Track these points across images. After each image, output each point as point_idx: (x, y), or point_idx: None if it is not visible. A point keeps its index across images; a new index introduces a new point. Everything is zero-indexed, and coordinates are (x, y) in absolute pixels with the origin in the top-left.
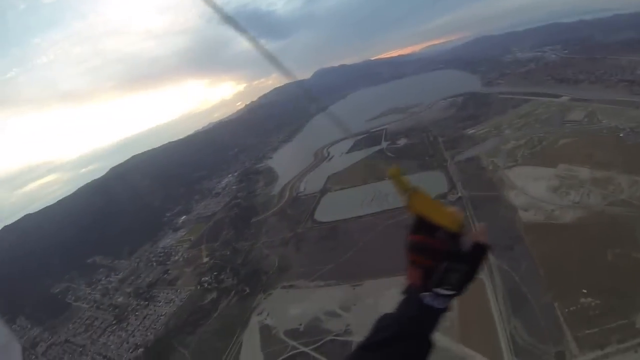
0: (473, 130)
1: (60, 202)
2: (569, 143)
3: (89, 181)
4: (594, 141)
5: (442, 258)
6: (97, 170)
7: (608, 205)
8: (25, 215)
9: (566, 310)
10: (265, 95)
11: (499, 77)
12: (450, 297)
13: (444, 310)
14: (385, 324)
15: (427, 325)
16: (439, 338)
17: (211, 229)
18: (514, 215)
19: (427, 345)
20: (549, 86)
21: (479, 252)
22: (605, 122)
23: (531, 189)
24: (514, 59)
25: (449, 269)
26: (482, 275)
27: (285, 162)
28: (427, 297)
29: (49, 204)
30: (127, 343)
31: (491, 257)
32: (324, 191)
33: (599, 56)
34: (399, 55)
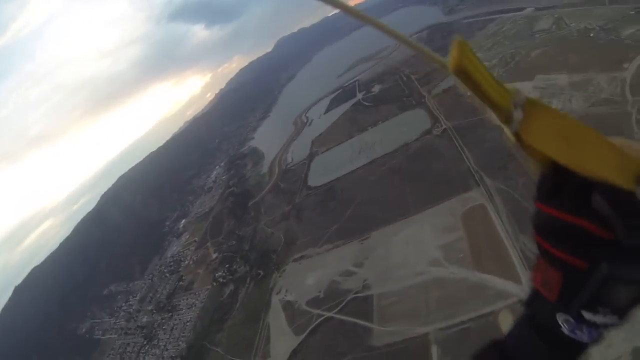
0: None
1: (62, 245)
2: (541, 53)
3: (84, 215)
4: (566, 46)
5: (603, 255)
6: (89, 202)
7: (591, 107)
8: (32, 270)
9: None
10: (232, 80)
11: (459, 3)
12: (607, 327)
13: (590, 344)
14: None
15: None
16: (455, 270)
17: (212, 225)
18: (501, 134)
19: None
20: (512, 1)
21: None
22: (574, 25)
23: None
24: None
25: (615, 276)
26: (482, 199)
27: (268, 138)
28: (568, 324)
29: (52, 250)
30: (163, 358)
31: (488, 180)
32: (311, 156)
33: None
34: (356, 4)
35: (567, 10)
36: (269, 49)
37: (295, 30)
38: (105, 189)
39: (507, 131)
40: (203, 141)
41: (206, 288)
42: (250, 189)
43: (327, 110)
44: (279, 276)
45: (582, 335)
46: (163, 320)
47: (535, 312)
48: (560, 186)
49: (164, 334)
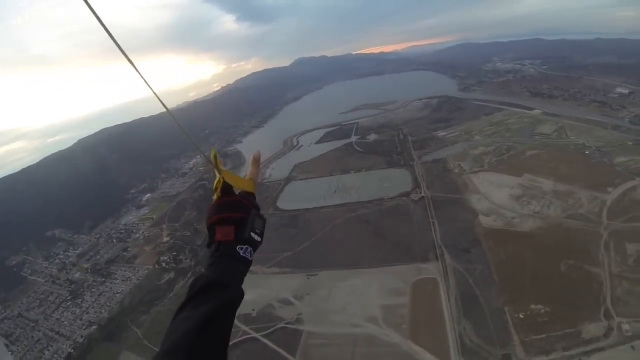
0: (444, 133)
1: (23, 171)
2: (535, 154)
3: (55, 151)
4: (560, 155)
5: (251, 209)
6: (65, 141)
7: (567, 218)
8: None
9: (516, 315)
10: (242, 79)
11: (476, 83)
12: (257, 245)
13: (250, 262)
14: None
15: (239, 276)
16: (389, 334)
17: (174, 209)
18: (474, 219)
19: (238, 294)
20: (524, 98)
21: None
22: (573, 139)
23: (494, 195)
24: (494, 68)
25: (257, 215)
26: (437, 274)
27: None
28: (241, 250)
29: (11, 172)
30: (81, 320)
31: (448, 257)
32: (289, 179)
33: (576, 75)
34: (380, 53)
35: (571, 123)
36: (287, 64)
37: (317, 55)
38: (86, 135)
39: (217, 175)
40: (194, 127)
41: (147, 267)
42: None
43: (319, 141)
44: None
45: (247, 254)
46: (94, 283)
47: (221, 252)
48: (227, 191)
49: (91, 296)
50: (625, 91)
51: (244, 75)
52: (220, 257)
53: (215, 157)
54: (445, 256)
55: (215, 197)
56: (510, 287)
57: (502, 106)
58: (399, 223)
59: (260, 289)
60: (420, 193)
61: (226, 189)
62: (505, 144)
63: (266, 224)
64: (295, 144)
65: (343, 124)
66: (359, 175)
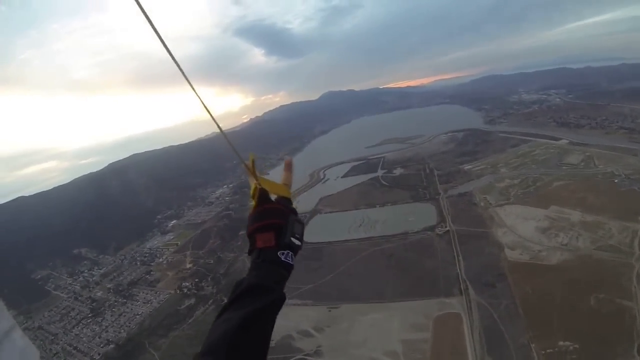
0: (470, 166)
1: (55, 190)
2: (563, 185)
3: (87, 173)
4: (588, 185)
5: (289, 215)
6: (96, 164)
7: (596, 250)
8: (18, 197)
9: (543, 352)
10: (271, 112)
11: (501, 116)
12: (298, 249)
13: (292, 266)
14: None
15: (281, 281)
16: None
17: (199, 237)
18: (500, 252)
19: (280, 297)
20: (550, 129)
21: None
22: (602, 167)
23: (520, 228)
24: (519, 99)
25: (295, 220)
26: (460, 309)
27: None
28: (282, 255)
29: (43, 190)
30: (99, 338)
31: (472, 292)
32: (314, 212)
33: (602, 103)
34: (407, 87)
35: (599, 151)
36: (314, 98)
37: (345, 89)
38: (117, 159)
39: (253, 182)
40: (222, 156)
41: (168, 292)
42: (246, 219)
43: (345, 175)
44: None
45: (289, 259)
46: (116, 303)
47: (263, 258)
48: (264, 199)
49: (111, 316)
50: None
51: (272, 108)
52: (262, 263)
53: (252, 163)
54: (469, 291)
55: (253, 204)
56: (537, 323)
57: (528, 137)
58: (423, 257)
59: (280, 320)
60: (446, 227)
61: (263, 196)
62: (531, 176)
63: None
64: (321, 177)
65: (369, 157)
66: (384, 209)
